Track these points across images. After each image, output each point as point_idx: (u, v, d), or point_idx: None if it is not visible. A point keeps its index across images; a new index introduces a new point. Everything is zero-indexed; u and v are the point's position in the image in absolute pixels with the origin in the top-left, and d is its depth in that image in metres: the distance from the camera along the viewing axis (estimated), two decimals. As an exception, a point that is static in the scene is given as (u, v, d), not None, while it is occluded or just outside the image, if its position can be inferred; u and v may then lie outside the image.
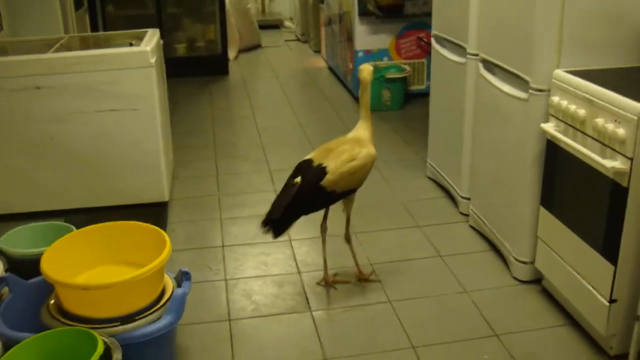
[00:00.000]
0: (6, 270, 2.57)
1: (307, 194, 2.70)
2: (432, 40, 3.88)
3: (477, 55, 3.25)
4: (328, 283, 2.99)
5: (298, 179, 2.73)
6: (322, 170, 2.70)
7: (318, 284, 3.00)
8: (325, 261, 3.00)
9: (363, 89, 2.84)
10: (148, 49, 3.46)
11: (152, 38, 3.74)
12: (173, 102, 5.78)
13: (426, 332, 2.67)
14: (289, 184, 2.76)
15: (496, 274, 3.06)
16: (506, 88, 2.92)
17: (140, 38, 3.77)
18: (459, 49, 3.47)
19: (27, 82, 3.35)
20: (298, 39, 8.82)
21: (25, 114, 3.40)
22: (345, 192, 2.80)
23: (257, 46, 8.45)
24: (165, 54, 4.07)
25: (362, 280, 3.01)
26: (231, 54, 7.55)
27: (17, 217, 3.18)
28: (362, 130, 2.86)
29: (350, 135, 2.90)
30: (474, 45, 3.29)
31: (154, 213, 3.66)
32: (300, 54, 8.10)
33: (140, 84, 3.47)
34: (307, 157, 2.83)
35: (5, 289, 2.40)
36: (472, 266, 3.15)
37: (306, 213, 2.77)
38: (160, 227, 3.49)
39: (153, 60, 3.47)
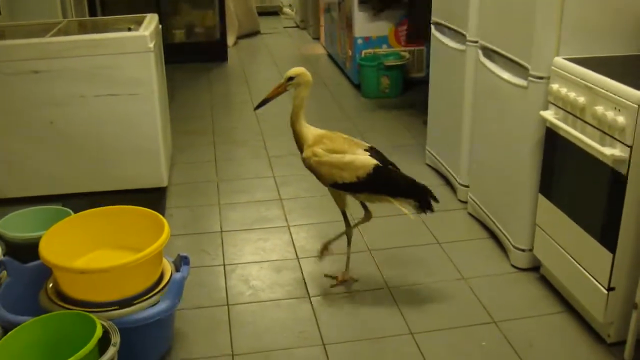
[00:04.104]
0: (4, 254, 2.57)
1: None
2: (432, 28, 3.86)
3: (476, 42, 3.24)
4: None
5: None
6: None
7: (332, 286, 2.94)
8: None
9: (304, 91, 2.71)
10: (147, 33, 3.45)
11: (150, 23, 3.72)
12: (172, 88, 5.76)
13: (424, 318, 2.67)
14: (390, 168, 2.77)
15: (494, 261, 3.07)
16: (506, 75, 2.91)
17: (139, 23, 3.75)
18: (459, 36, 3.46)
19: (25, 67, 3.33)
20: (297, 26, 8.78)
21: (23, 99, 3.39)
22: None
23: (256, 32, 8.42)
24: (163, 39, 4.05)
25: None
26: (230, 40, 7.53)
27: (15, 201, 3.18)
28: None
29: (321, 132, 2.78)
30: (474, 32, 3.27)
31: (152, 198, 3.66)
32: (299, 41, 8.07)
33: (138, 68, 3.46)
34: (364, 145, 2.77)
35: (4, 273, 2.40)
36: (471, 253, 3.15)
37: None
38: (159, 212, 3.49)
39: (151, 44, 3.45)
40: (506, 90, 2.91)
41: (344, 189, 2.71)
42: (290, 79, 2.67)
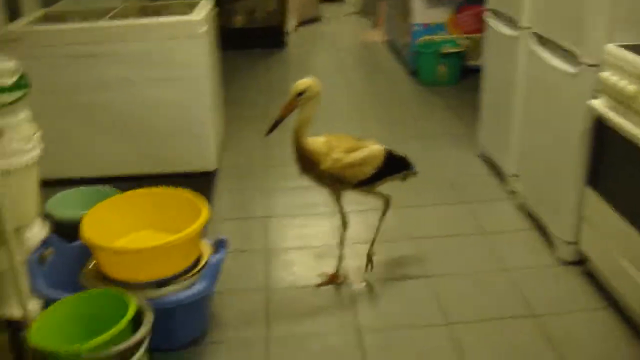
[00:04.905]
0: (52, 233, 2.66)
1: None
2: (487, 14, 3.78)
3: (529, 28, 3.15)
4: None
5: None
6: None
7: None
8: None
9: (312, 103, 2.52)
10: (198, 18, 3.49)
11: (204, 7, 3.76)
12: (229, 73, 5.84)
13: (462, 308, 2.64)
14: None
15: (539, 253, 3.00)
16: (556, 62, 2.83)
17: (192, 7, 3.80)
18: (512, 23, 3.37)
19: (79, 50, 3.42)
20: (358, 13, 8.73)
21: (78, 81, 3.48)
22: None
23: (316, 19, 8.41)
24: (223, 25, 4.08)
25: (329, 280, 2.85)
26: (290, 26, 7.54)
27: (66, 182, 3.26)
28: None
29: (323, 137, 2.66)
30: (527, 18, 3.19)
31: (201, 181, 3.71)
32: (359, 28, 8.02)
33: (190, 53, 3.51)
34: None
35: (49, 250, 2.48)
36: (515, 245, 3.09)
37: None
38: (207, 196, 3.56)
39: (203, 30, 3.49)
40: (555, 78, 2.83)
41: (366, 184, 2.66)
42: (300, 94, 2.46)
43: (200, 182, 3.70)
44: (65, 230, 2.62)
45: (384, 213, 2.82)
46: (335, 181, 2.60)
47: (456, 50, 5.33)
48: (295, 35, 7.63)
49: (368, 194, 2.77)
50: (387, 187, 2.81)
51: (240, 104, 5.18)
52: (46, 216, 2.74)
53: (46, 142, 3.49)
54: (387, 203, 2.81)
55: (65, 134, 3.58)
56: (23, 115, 2.25)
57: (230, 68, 5.97)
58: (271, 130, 2.54)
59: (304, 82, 2.47)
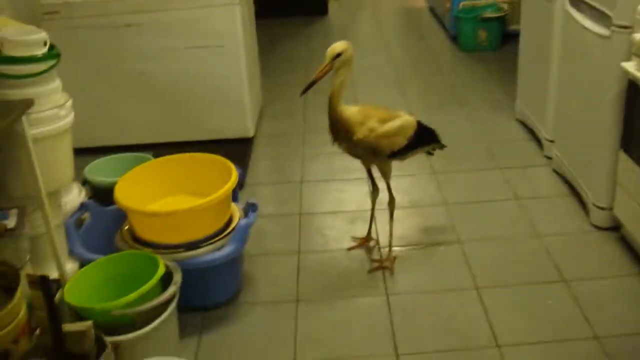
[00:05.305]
0: (90, 198, 2.75)
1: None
2: (524, -24, 3.72)
3: (564, -11, 3.10)
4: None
5: None
6: None
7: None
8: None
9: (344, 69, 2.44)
10: (233, -14, 3.51)
11: (239, -25, 3.78)
12: (269, 41, 5.86)
13: (491, 274, 2.64)
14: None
15: (573, 219, 2.97)
16: (589, 24, 2.77)
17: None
18: (549, -15, 3.31)
19: (117, 20, 3.49)
20: (402, -22, 8.62)
21: (115, 51, 3.56)
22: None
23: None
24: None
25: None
26: (331, -7, 7.50)
27: (106, 149, 3.35)
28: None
29: (358, 107, 2.60)
30: (563, -20, 3.13)
31: (238, 148, 3.77)
32: (402, -6, 7.94)
33: (225, 21, 3.54)
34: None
35: (86, 215, 2.58)
36: (550, 210, 3.07)
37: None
38: (244, 162, 3.62)
39: (238, -2, 3.51)
40: (589, 40, 2.77)
41: (398, 155, 2.63)
42: (337, 55, 2.40)
43: (238, 148, 3.76)
44: (102, 195, 2.70)
45: (391, 215, 2.76)
46: (369, 151, 2.56)
47: (497, 15, 5.24)
48: (337, 2, 7.59)
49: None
50: (416, 157, 2.82)
51: (280, 72, 5.21)
52: (85, 182, 2.83)
53: (86, 111, 3.60)
54: (392, 203, 2.75)
55: (104, 103, 3.67)
56: (54, 84, 2.31)
57: (270, 36, 5.99)
58: (305, 90, 2.51)
59: (340, 44, 2.42)
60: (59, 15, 3.43)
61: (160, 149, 3.57)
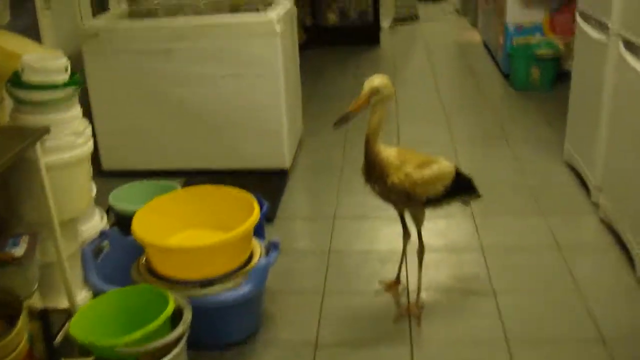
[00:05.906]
0: (113, 224, 2.70)
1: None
2: (577, 16, 3.56)
3: (619, 34, 2.94)
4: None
5: None
6: None
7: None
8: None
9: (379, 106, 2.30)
10: (274, 16, 3.46)
11: (282, 5, 3.74)
12: (318, 70, 5.83)
13: (525, 328, 2.48)
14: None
15: (619, 273, 2.79)
16: (644, 70, 2.62)
17: (271, 4, 3.77)
18: (602, 27, 3.16)
19: (157, 46, 3.48)
20: (458, 12, 8.53)
21: (155, 76, 3.55)
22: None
23: (414, 17, 8.27)
24: (317, 22, 4.04)
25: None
26: (385, 23, 7.45)
27: (140, 173, 3.32)
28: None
29: (395, 149, 2.44)
30: (617, 22, 2.97)
31: (274, 179, 3.71)
32: (456, 28, 7.84)
33: (265, 50, 3.50)
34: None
35: (106, 243, 2.52)
36: (593, 263, 2.90)
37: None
38: (278, 194, 3.54)
39: (278, 27, 3.46)
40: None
41: (433, 203, 2.47)
42: (376, 91, 2.25)
43: (273, 179, 3.70)
44: (126, 223, 2.65)
45: (420, 263, 2.59)
46: (403, 197, 2.41)
47: (551, 53, 5.07)
48: (389, 34, 7.54)
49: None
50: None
51: (323, 101, 5.15)
52: (109, 208, 2.78)
53: (121, 133, 3.61)
54: (422, 252, 2.58)
55: (139, 127, 3.66)
56: (75, 111, 2.28)
57: (319, 65, 5.96)
58: (339, 123, 2.30)
59: (379, 78, 2.26)
60: (98, 39, 3.43)
61: (193, 176, 3.53)
